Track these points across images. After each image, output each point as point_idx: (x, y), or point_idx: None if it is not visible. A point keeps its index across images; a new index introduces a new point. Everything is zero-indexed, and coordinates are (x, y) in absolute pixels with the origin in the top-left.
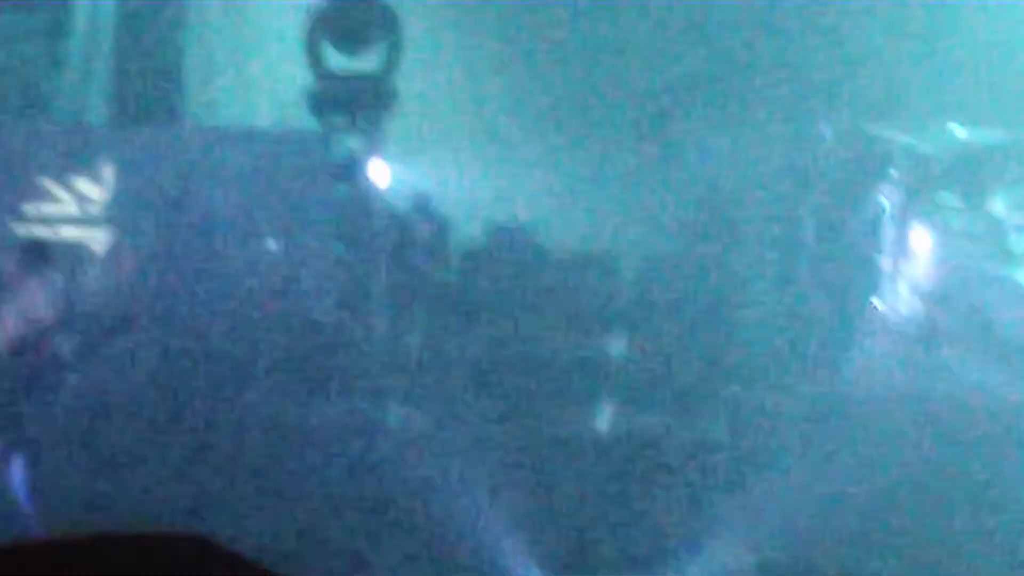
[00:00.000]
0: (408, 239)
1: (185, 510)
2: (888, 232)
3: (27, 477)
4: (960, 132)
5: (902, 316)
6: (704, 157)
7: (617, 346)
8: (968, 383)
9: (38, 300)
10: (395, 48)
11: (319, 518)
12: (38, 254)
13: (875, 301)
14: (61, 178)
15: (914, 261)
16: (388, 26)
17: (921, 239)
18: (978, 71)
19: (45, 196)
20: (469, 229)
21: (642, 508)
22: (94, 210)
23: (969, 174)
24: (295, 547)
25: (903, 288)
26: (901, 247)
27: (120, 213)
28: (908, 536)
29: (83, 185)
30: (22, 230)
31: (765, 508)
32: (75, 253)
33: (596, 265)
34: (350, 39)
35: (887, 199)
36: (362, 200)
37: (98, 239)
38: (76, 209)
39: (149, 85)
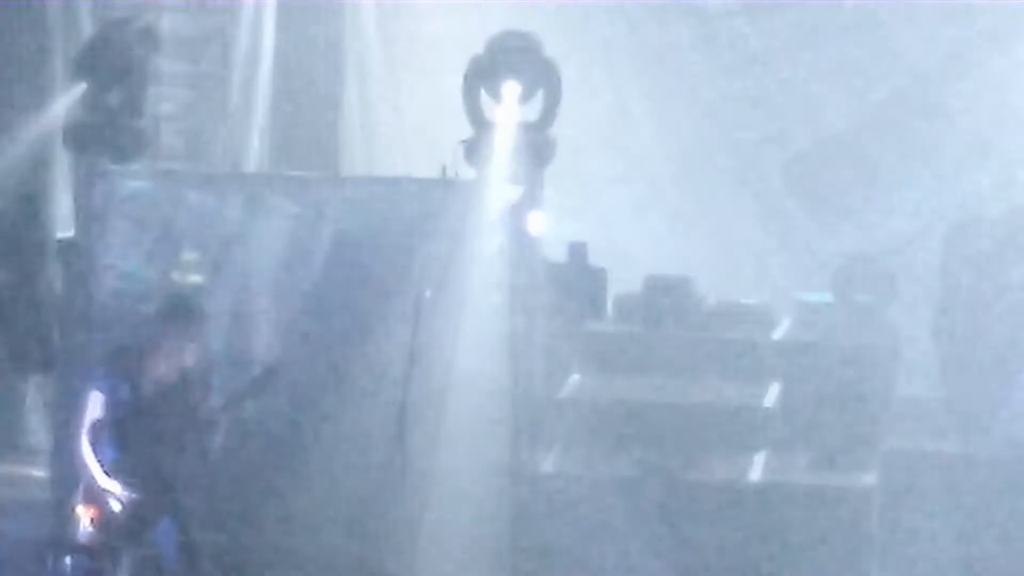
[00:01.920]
0: (565, 288)
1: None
2: None
3: (174, 535)
4: None
5: None
6: (861, 211)
7: (770, 396)
8: None
9: (185, 356)
10: (553, 98)
11: (479, 560)
12: (186, 309)
13: None
14: (213, 228)
15: None
16: (546, 76)
17: None
18: None
19: (196, 247)
20: (626, 278)
21: (794, 559)
22: (243, 262)
23: None
24: None
25: None
26: None
27: (268, 265)
28: None
29: (233, 236)
30: (175, 281)
31: (916, 562)
32: (223, 306)
33: (750, 315)
34: (508, 89)
35: None
36: (519, 250)
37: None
38: (225, 261)
39: (306, 134)
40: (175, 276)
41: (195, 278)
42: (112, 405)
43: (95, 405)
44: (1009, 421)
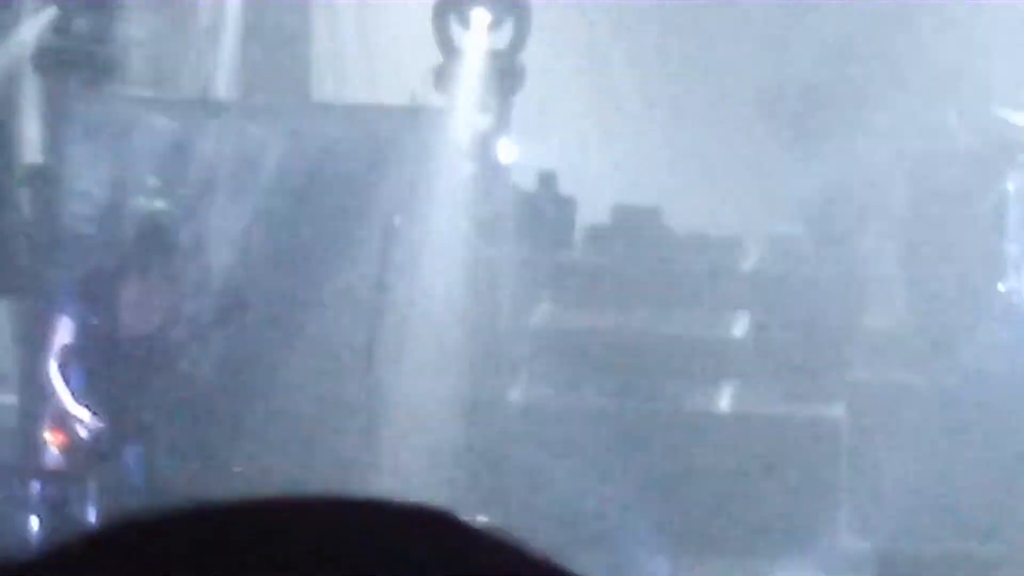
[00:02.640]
0: (533, 218)
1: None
2: (1013, 217)
3: (142, 463)
4: None
5: None
6: (831, 142)
7: (739, 327)
8: None
9: (155, 285)
10: (522, 25)
11: (440, 486)
12: (155, 235)
13: (999, 285)
14: (182, 154)
15: None
16: (515, 4)
17: None
18: None
19: (165, 173)
20: (594, 208)
21: (760, 490)
22: (211, 188)
23: None
24: None
25: None
26: None
27: (238, 191)
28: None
29: (202, 162)
30: (143, 209)
31: (884, 493)
32: (192, 232)
33: (720, 246)
34: (477, 17)
35: (1013, 183)
36: (489, 178)
37: (217, 219)
38: (194, 186)
39: (276, 61)
40: (144, 202)
41: (163, 204)
42: (81, 331)
43: (64, 331)
44: (976, 351)
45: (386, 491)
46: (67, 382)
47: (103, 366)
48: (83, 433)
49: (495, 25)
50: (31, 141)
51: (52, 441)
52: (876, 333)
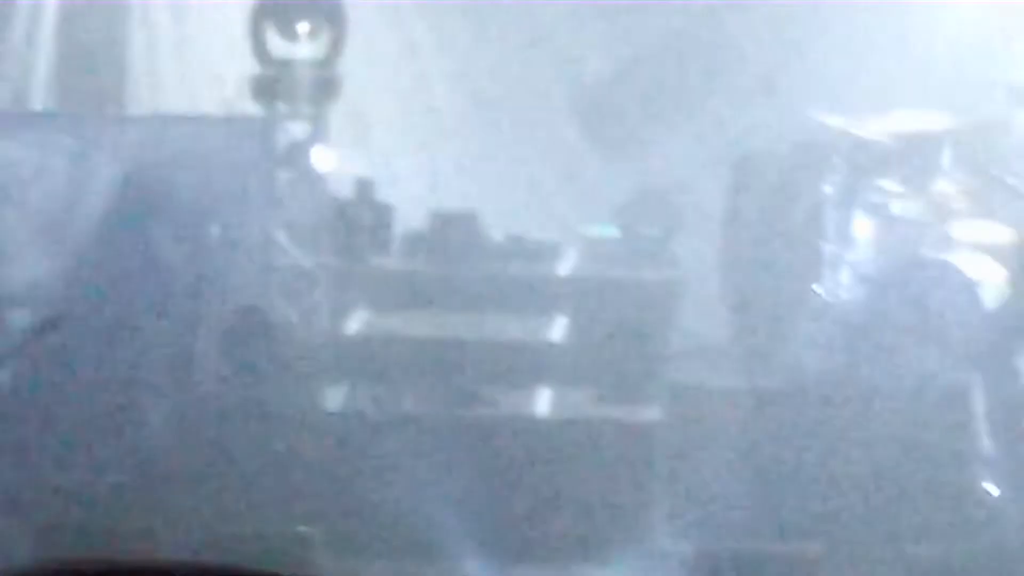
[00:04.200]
0: (351, 225)
1: (117, 505)
2: (830, 218)
3: None
4: (903, 117)
5: (843, 302)
6: (646, 144)
7: (556, 331)
8: (908, 369)
9: None
10: (339, 34)
11: (260, 497)
12: None
13: (816, 287)
14: None
15: (856, 247)
16: (332, 13)
17: (863, 225)
18: (922, 56)
19: None
20: (411, 215)
21: (578, 493)
22: (20, 200)
23: (911, 160)
24: (238, 530)
25: (844, 274)
26: (843, 233)
27: (56, 205)
28: (845, 522)
29: (10, 174)
30: None
31: (702, 495)
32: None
33: (537, 250)
34: (294, 26)
35: (829, 185)
36: (305, 186)
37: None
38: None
39: (92, 72)
40: None
41: None
42: None
43: None
44: (793, 355)
45: (199, 503)
46: None
47: None
48: None
49: (312, 34)
50: None
51: None
52: (693, 335)
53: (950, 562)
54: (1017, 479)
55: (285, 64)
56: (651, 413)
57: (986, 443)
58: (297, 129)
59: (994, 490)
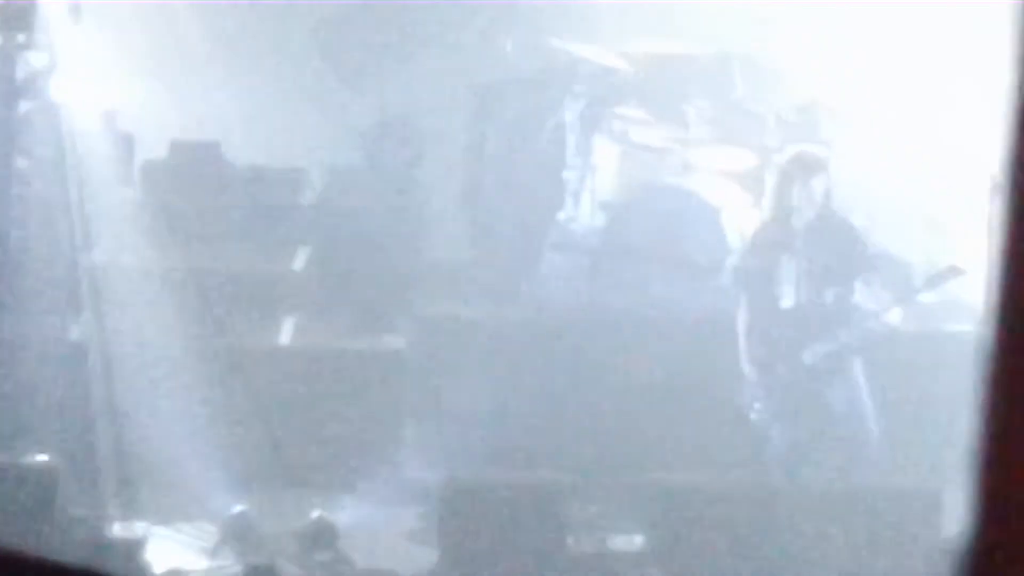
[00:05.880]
0: (92, 155)
1: None
2: (572, 145)
3: None
4: (646, 45)
5: (586, 230)
6: (389, 74)
7: (299, 260)
8: (651, 298)
9: None
10: None
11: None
12: None
13: (559, 215)
14: None
15: (598, 175)
16: None
17: (605, 153)
18: None
19: None
20: (154, 146)
21: (324, 422)
22: None
23: (654, 87)
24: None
25: (587, 202)
26: (585, 161)
27: None
28: (595, 449)
29: None
30: None
31: (448, 425)
32: None
33: (280, 179)
34: None
35: (571, 112)
36: (44, 117)
37: None
38: None
39: None
40: None
41: None
42: None
43: None
44: (538, 285)
45: None
46: None
47: None
48: None
49: None
50: None
51: None
52: (437, 265)
53: (707, 490)
54: (779, 404)
55: None
56: (395, 342)
57: (747, 368)
58: (36, 58)
59: (757, 415)
